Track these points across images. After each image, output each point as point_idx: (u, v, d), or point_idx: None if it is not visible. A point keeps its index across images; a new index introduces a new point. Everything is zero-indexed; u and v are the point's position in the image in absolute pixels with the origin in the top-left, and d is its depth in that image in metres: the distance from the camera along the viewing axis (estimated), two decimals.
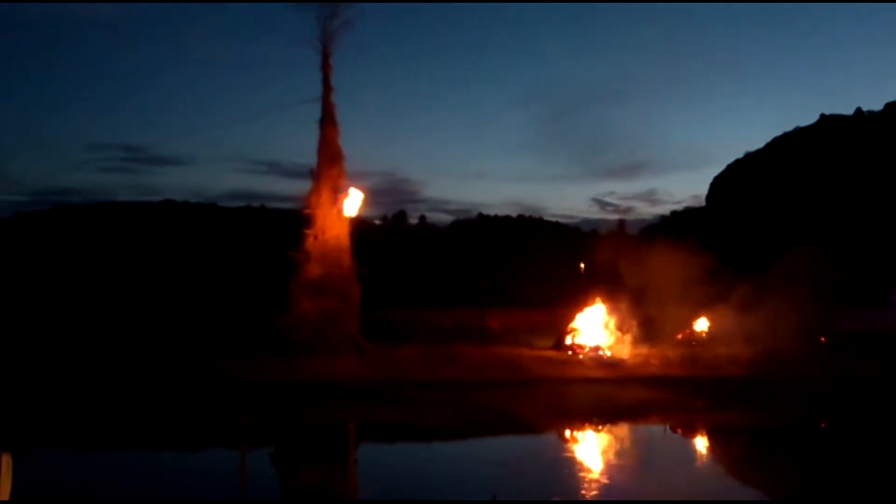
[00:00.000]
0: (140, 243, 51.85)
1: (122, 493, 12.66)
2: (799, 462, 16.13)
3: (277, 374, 22.00)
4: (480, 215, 75.91)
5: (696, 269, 27.72)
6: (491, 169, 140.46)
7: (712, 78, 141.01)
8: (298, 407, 19.72)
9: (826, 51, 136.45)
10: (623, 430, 19.26)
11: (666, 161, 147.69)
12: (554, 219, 79.21)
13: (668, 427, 19.87)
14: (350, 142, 26.93)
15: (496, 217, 74.46)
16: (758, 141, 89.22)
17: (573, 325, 27.60)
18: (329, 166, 25.98)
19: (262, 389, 20.67)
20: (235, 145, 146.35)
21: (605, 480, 14.32)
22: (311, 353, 23.67)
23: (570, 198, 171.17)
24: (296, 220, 26.37)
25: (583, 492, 13.43)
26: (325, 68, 26.08)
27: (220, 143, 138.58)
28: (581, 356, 26.33)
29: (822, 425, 20.58)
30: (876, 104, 68.58)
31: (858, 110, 67.11)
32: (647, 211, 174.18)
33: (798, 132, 67.88)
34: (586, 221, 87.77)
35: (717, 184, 71.99)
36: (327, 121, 26.24)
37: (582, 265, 40.74)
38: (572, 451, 17.33)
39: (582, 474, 14.96)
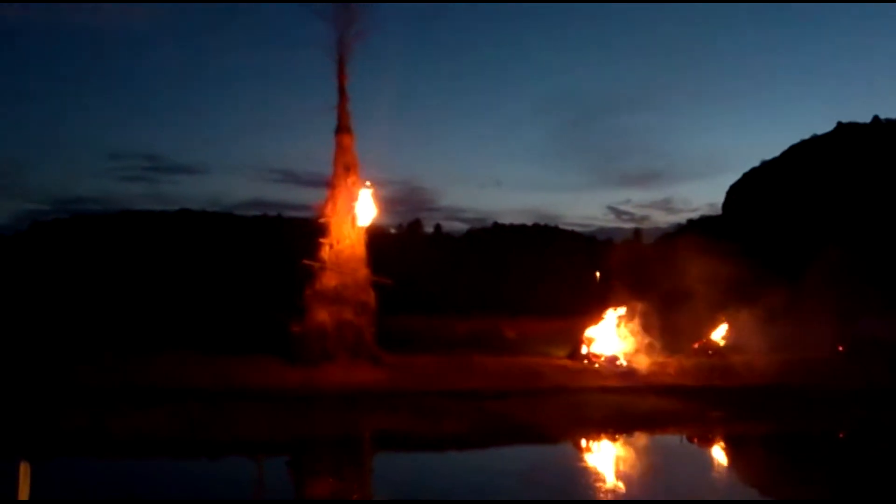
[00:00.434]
0: (157, 252, 52.24)
1: (142, 498, 12.76)
2: (817, 473, 15.97)
3: (293, 381, 22.07)
4: (496, 224, 75.87)
5: (713, 278, 27.55)
6: (506, 177, 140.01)
7: (729, 86, 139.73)
8: (314, 415, 19.74)
9: (842, 58, 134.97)
10: (640, 440, 19.19)
11: (682, 169, 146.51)
12: (569, 227, 79.26)
13: (684, 437, 19.81)
14: (366, 151, 26.98)
15: (511, 225, 74.34)
16: (774, 149, 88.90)
17: (589, 333, 27.48)
18: (345, 175, 26.03)
19: (278, 397, 20.73)
20: (251, 154, 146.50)
21: (621, 491, 14.27)
22: (327, 361, 23.74)
23: (585, 206, 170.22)
24: (311, 229, 26.45)
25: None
26: (341, 77, 26.12)
27: (236, 151, 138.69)
28: (597, 365, 26.21)
29: (841, 435, 20.39)
30: (893, 112, 68.33)
31: (876, 118, 66.58)
32: (664, 219, 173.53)
33: (815, 140, 67.30)
34: (602, 230, 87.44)
35: (734, 192, 71.54)
36: (343, 129, 26.27)
37: (598, 273, 40.64)
38: (589, 461, 17.29)
39: (598, 484, 14.91)
